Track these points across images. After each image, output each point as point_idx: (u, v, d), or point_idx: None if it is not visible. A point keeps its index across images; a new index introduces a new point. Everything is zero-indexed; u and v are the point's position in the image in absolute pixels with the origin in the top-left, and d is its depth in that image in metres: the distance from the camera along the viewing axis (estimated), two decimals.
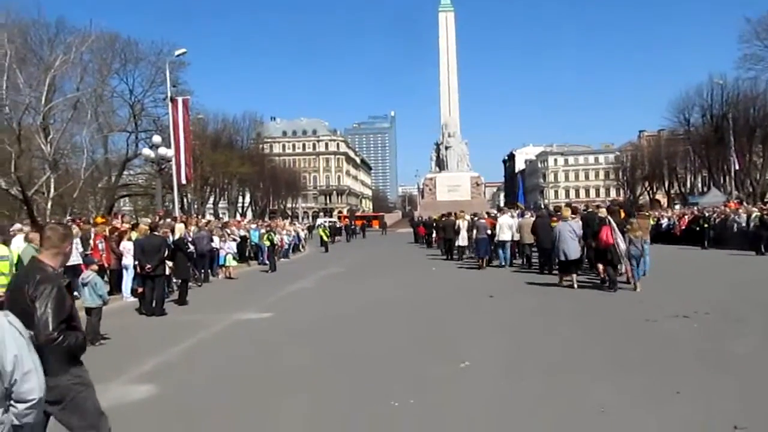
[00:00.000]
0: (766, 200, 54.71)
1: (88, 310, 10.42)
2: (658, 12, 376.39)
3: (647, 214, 28.71)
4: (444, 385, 7.29)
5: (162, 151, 26.23)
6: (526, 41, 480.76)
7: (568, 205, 22.90)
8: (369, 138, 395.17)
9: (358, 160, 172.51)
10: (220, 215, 68.26)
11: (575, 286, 15.85)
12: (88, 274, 10.76)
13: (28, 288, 3.87)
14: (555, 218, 19.11)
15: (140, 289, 14.31)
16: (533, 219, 22.49)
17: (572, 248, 15.96)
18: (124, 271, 16.26)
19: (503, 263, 22.58)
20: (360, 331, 11.08)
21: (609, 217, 15.69)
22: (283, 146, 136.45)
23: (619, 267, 15.48)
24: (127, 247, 15.98)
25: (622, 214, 17.16)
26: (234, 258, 23.67)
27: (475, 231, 23.38)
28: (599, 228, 15.51)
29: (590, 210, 19.66)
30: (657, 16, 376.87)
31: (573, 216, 17.61)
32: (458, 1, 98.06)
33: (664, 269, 19.95)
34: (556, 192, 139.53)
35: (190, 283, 17.25)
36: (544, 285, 16.85)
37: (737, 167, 52.81)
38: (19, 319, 3.30)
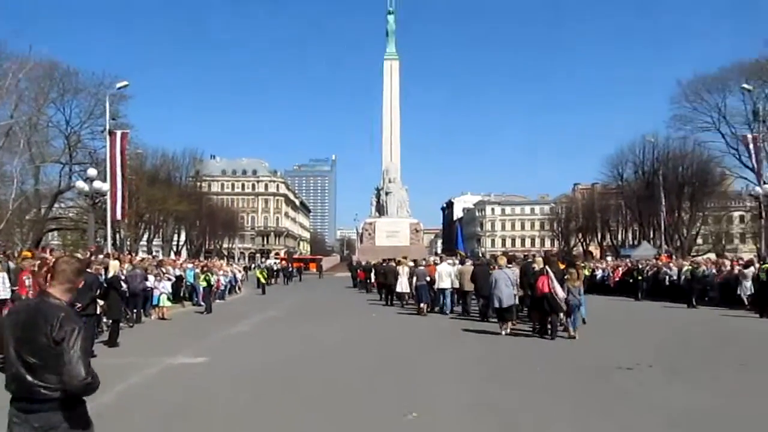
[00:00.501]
0: (692, 255, 56.86)
1: None
2: (595, 68, 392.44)
3: (582, 264, 29.40)
4: None
5: (97, 184, 25.46)
6: (467, 91, 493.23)
7: (504, 254, 23.52)
8: (309, 180, 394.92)
9: (297, 202, 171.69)
10: (154, 253, 66.44)
11: (507, 332, 16.21)
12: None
13: (50, 328, 3.55)
14: (494, 267, 19.45)
15: None
16: (472, 267, 22.86)
17: (506, 295, 16.32)
18: None
19: (445, 311, 22.65)
20: (300, 378, 10.66)
21: (546, 267, 16.07)
22: (222, 185, 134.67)
23: (561, 315, 15.70)
24: None
25: (561, 265, 17.48)
26: (168, 298, 22.84)
27: (415, 278, 23.75)
28: (536, 278, 15.92)
29: (528, 260, 20.25)
30: (594, 72, 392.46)
31: (509, 265, 18.34)
32: (403, 50, 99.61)
33: (603, 320, 20.30)
34: (492, 241, 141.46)
35: (121, 324, 16.48)
36: (486, 333, 16.83)
37: (667, 222, 54.72)
38: (33, 359, 3.42)
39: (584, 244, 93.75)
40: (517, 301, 17.65)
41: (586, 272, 37.89)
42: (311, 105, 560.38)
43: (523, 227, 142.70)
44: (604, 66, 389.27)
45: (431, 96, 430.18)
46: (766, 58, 50.58)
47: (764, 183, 33.25)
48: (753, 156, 36.91)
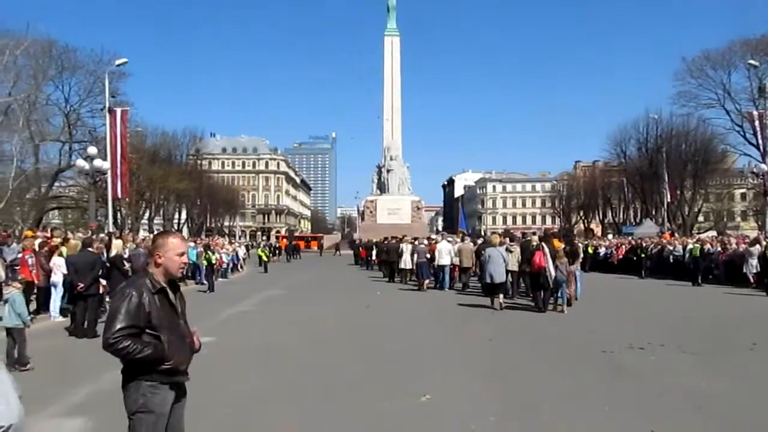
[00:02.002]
0: (694, 232, 56.75)
1: (8, 331, 9.63)
2: (598, 46, 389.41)
3: (584, 242, 29.42)
4: (404, 421, 6.85)
5: (97, 163, 25.16)
6: (468, 68, 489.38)
7: (506, 231, 24.28)
8: (309, 158, 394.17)
9: (298, 180, 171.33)
10: (154, 231, 66.29)
11: (501, 307, 16.92)
12: (9, 291, 9.95)
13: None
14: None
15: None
16: (471, 244, 24.50)
17: (499, 272, 17.19)
18: (53, 288, 15.23)
19: (443, 286, 23.65)
20: (310, 359, 10.50)
21: (542, 243, 17.06)
22: (223, 163, 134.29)
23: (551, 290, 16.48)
24: (57, 263, 15.01)
25: (559, 243, 17.99)
26: None
27: (416, 255, 24.85)
28: (532, 253, 16.82)
29: (527, 238, 21.26)
30: (597, 50, 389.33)
31: (511, 243, 20.11)
32: (404, 26, 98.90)
33: (610, 298, 20.21)
34: (494, 218, 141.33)
35: None
36: (485, 307, 17.41)
37: (669, 200, 54.48)
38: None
39: (585, 221, 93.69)
40: (510, 278, 18.99)
41: (590, 250, 37.98)
42: (311, 82, 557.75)
43: (524, 205, 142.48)
44: (607, 48, 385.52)
45: (433, 73, 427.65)
46: None
47: None
48: (758, 133, 36.64)
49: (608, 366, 9.76)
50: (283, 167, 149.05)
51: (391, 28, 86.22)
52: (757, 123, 36.40)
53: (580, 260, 21.32)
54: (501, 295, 17.39)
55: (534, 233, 24.03)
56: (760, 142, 36.76)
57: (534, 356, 10.76)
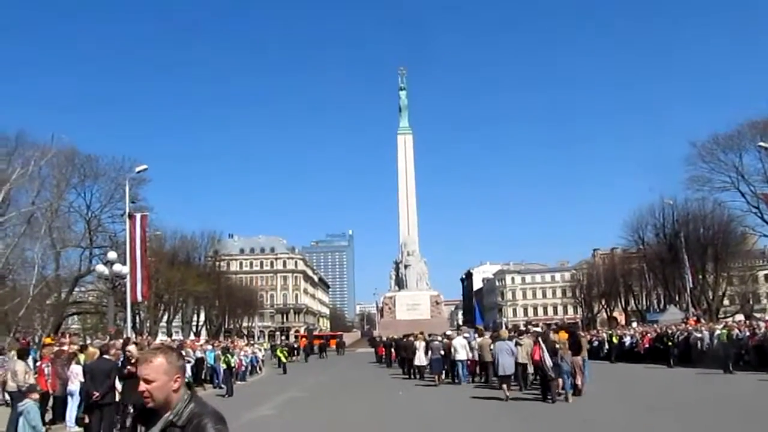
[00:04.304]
0: (721, 316, 55.53)
1: None
2: (606, 134, 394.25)
3: (581, 334, 29.24)
4: None
5: (117, 267, 25.41)
6: (482, 162, 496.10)
7: (526, 323, 25.00)
8: (327, 256, 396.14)
9: (316, 278, 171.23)
10: (174, 334, 65.97)
11: (508, 396, 18.02)
12: (25, 402, 9.81)
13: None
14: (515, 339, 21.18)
15: (86, 419, 13.17)
16: (490, 339, 24.87)
17: (508, 364, 18.61)
18: (69, 397, 15.01)
19: (458, 381, 24.61)
20: None
21: (539, 339, 18.15)
22: (241, 264, 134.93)
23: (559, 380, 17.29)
24: (75, 371, 14.85)
25: (564, 335, 19.21)
26: (189, 382, 22.37)
27: (430, 352, 25.87)
28: (534, 347, 18.03)
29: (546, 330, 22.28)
30: (605, 138, 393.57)
31: (514, 336, 21.64)
32: (417, 123, 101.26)
33: (639, 391, 19.59)
34: (514, 310, 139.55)
35: None
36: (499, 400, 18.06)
37: (692, 285, 53.60)
38: None
39: (608, 310, 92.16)
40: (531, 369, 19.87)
41: (614, 339, 37.30)
42: (327, 181, 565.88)
43: (544, 295, 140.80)
44: (619, 135, 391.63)
45: (446, 169, 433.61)
46: None
47: None
48: None
49: None
50: (301, 266, 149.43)
51: (403, 127, 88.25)
52: None
53: (585, 351, 21.60)
54: (505, 386, 18.47)
55: (556, 324, 25.08)
56: None
57: None
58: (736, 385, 21.31)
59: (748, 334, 27.02)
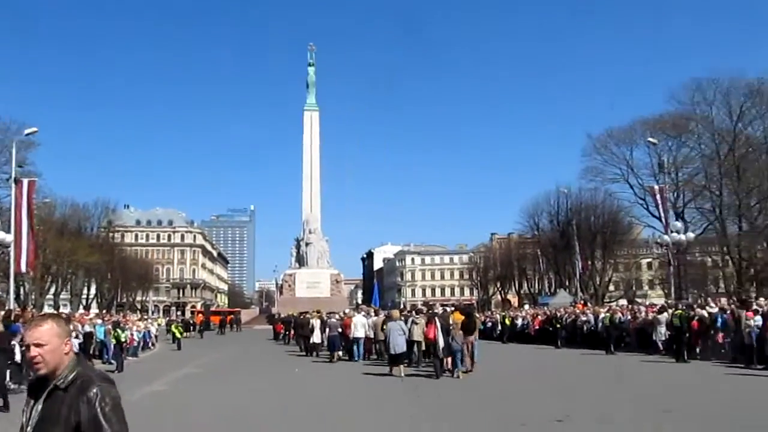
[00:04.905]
0: (606, 301, 58.69)
1: None
2: (511, 120, 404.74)
3: (477, 315, 30.44)
4: None
5: (0, 235, 23.99)
6: (387, 142, 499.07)
7: (425, 304, 25.39)
8: (227, 231, 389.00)
9: (215, 253, 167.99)
10: (62, 307, 63.19)
11: (402, 375, 18.39)
12: None
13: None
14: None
15: None
16: (383, 318, 25.44)
17: (400, 343, 18.97)
18: None
19: (356, 358, 25.07)
20: None
21: (436, 318, 18.83)
22: (136, 236, 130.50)
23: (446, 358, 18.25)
24: None
25: (460, 316, 20.01)
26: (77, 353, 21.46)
27: (327, 329, 26.14)
28: (428, 325, 18.62)
29: (446, 311, 23.44)
30: (510, 123, 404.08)
31: (410, 316, 21.84)
32: (323, 101, 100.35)
33: (528, 370, 20.43)
34: (413, 291, 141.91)
35: (13, 386, 15.17)
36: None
37: (581, 270, 56.31)
38: None
39: (502, 292, 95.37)
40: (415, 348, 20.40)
41: (507, 321, 38.69)
42: (230, 154, 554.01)
43: (442, 277, 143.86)
44: (518, 124, 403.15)
45: (350, 147, 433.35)
46: (669, 114, 53.55)
47: (671, 231, 34.69)
48: (660, 206, 38.52)
49: None
50: (200, 240, 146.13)
51: (310, 103, 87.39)
52: (658, 197, 38.28)
53: (477, 331, 22.23)
54: (401, 366, 18.99)
55: (453, 305, 25.85)
56: (662, 214, 38.59)
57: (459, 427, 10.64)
58: (617, 364, 22.57)
59: (629, 317, 28.63)
